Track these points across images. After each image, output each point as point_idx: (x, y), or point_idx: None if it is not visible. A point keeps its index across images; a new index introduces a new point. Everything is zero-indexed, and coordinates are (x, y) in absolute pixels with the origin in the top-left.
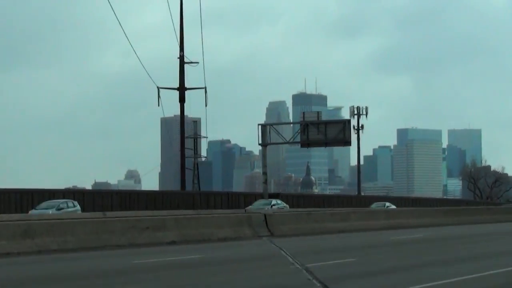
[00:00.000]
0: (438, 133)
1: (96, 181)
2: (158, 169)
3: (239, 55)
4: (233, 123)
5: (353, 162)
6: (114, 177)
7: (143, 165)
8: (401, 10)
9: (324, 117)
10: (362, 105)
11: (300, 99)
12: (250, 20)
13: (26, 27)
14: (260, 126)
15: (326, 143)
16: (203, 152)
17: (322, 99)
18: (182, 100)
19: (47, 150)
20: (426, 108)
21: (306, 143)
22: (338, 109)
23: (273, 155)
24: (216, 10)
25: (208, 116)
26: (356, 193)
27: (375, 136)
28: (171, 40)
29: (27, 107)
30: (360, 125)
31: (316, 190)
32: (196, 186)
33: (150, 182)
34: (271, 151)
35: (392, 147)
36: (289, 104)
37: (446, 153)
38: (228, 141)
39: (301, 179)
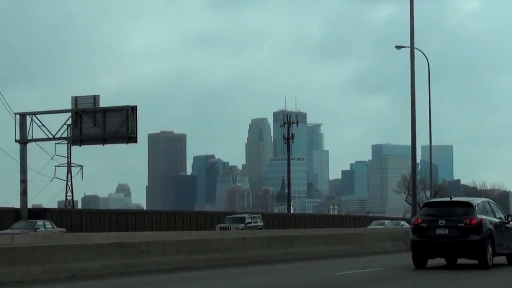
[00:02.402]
0: None
1: (86, 194)
2: (146, 183)
3: (227, 76)
4: (218, 139)
5: (332, 176)
6: (104, 191)
7: (133, 179)
8: (381, 33)
9: (302, 135)
10: (340, 123)
11: (280, 116)
12: (238, 44)
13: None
14: (18, 116)
15: (105, 139)
16: (188, 168)
17: (301, 116)
18: None
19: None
20: (402, 126)
21: (79, 140)
22: (318, 125)
23: (255, 169)
24: (207, 33)
25: (194, 132)
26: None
27: (354, 152)
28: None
29: None
30: (290, 135)
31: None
32: (70, 200)
33: (139, 196)
34: (253, 164)
35: (367, 162)
36: (271, 121)
37: (419, 167)
38: (213, 156)
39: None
